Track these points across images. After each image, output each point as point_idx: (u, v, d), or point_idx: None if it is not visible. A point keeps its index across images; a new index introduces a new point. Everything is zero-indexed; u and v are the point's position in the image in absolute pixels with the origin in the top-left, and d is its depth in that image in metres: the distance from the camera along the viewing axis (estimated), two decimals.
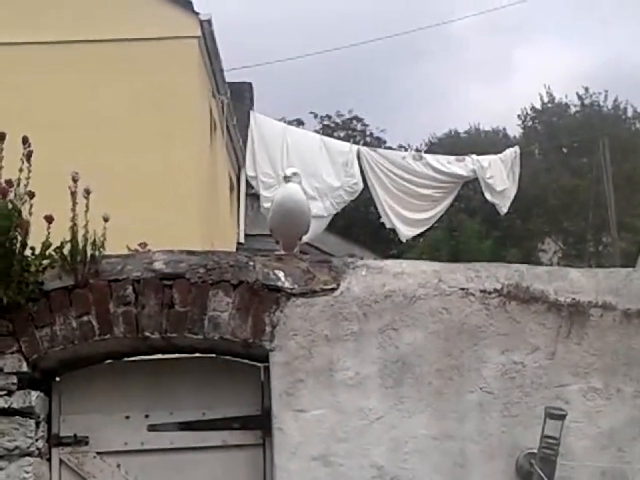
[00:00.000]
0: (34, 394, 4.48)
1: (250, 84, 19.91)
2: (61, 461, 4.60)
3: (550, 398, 4.49)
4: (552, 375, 4.53)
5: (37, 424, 4.48)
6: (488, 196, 15.72)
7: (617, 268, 5.05)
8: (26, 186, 4.55)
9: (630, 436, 4.51)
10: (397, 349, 4.53)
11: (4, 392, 4.43)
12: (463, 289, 4.61)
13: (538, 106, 39.20)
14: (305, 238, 5.33)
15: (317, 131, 31.76)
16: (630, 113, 38.36)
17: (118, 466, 4.60)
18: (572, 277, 4.70)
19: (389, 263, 4.75)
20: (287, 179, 5.17)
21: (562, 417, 4.34)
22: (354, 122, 39.22)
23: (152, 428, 4.63)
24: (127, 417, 4.63)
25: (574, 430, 4.47)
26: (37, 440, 4.46)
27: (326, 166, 14.46)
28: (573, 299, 4.61)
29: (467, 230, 29.60)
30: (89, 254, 4.55)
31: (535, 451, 4.37)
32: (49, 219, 4.51)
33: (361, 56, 52.90)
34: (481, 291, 4.61)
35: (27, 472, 4.39)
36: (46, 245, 4.53)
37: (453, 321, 4.57)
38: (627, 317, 4.62)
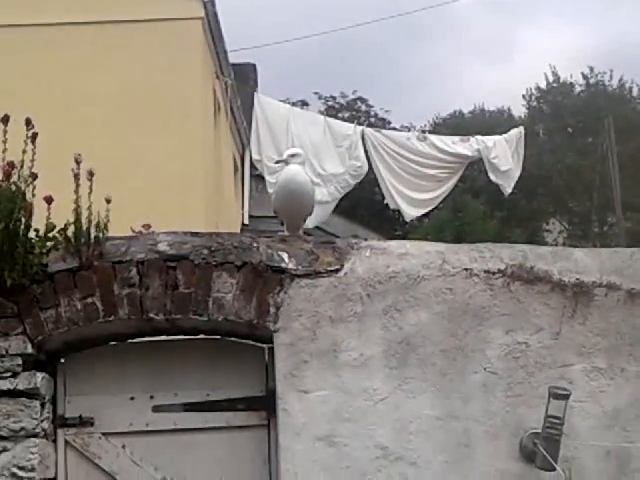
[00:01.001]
0: (39, 375, 4.49)
1: (254, 65, 19.86)
2: (66, 442, 4.62)
3: (554, 378, 4.50)
4: (556, 355, 4.54)
5: (42, 405, 4.50)
6: (492, 176, 15.69)
7: (621, 248, 5.05)
8: (30, 168, 4.54)
9: (634, 415, 4.52)
10: (401, 330, 4.53)
11: (9, 374, 4.45)
12: (467, 269, 4.61)
13: (543, 86, 39.07)
14: (310, 222, 5.33)
15: (321, 112, 31.69)
16: (635, 92, 38.23)
17: (123, 447, 4.62)
18: (576, 257, 4.70)
19: (393, 244, 4.75)
20: (287, 161, 5.16)
21: (566, 397, 4.34)
22: (358, 103, 39.10)
23: (157, 409, 4.65)
24: (132, 398, 4.65)
25: (578, 410, 4.48)
26: (42, 421, 4.48)
27: (330, 151, 14.43)
28: (577, 279, 4.61)
29: (472, 211, 29.56)
30: (93, 236, 4.56)
31: (539, 431, 4.38)
32: (49, 200, 4.50)
33: (365, 36, 52.85)
34: (485, 271, 4.61)
35: (33, 453, 4.40)
36: (50, 227, 4.54)
37: (457, 302, 4.57)
38: (631, 297, 4.61)
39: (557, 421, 4.34)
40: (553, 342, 4.54)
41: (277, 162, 5.20)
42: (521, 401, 4.49)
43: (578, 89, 38.47)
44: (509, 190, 16.00)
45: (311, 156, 13.33)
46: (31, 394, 4.45)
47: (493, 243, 4.88)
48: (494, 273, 4.61)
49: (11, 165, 4.46)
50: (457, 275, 4.60)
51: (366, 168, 14.70)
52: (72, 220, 4.54)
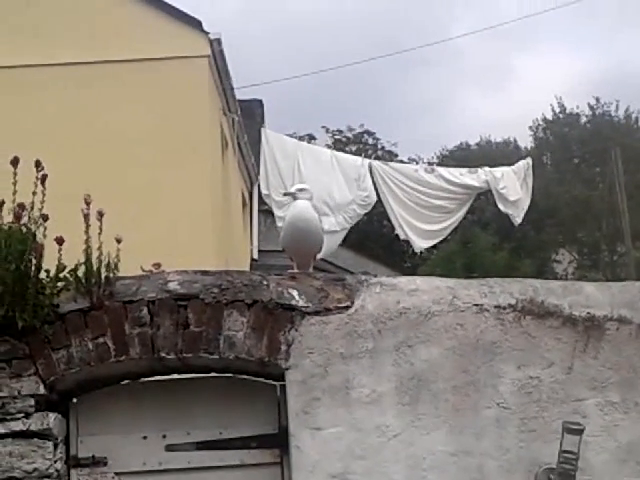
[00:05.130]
0: (52, 416, 4.49)
1: (260, 101, 19.99)
2: None
3: (567, 413, 4.48)
4: (569, 390, 4.52)
5: (55, 446, 4.49)
6: (501, 207, 15.71)
7: (631, 281, 5.04)
8: (40, 209, 4.57)
9: None
10: (412, 366, 4.53)
11: (22, 414, 4.44)
12: (477, 305, 4.61)
13: (549, 117, 39.17)
14: (320, 254, 5.33)
15: (329, 145, 31.81)
16: None
17: None
18: (587, 291, 4.70)
19: (403, 280, 4.75)
20: (294, 196, 5.17)
21: (580, 432, 4.32)
22: (365, 136, 39.30)
23: (170, 448, 4.63)
24: (144, 437, 4.64)
25: (592, 444, 4.45)
26: (55, 462, 4.47)
27: (338, 181, 14.48)
28: (588, 313, 4.60)
29: (481, 242, 29.56)
30: (103, 276, 4.57)
31: (554, 466, 4.35)
32: (59, 241, 4.52)
33: (369, 70, 53.19)
34: (495, 307, 4.61)
35: None
36: (60, 268, 4.55)
37: (468, 337, 4.56)
38: None
39: (572, 456, 4.31)
40: (565, 377, 4.53)
41: (285, 194, 5.19)
42: (535, 436, 4.47)
43: (584, 120, 38.56)
44: (519, 220, 16.00)
45: (319, 187, 13.36)
46: (44, 435, 4.45)
47: (503, 277, 4.88)
48: (505, 308, 4.60)
49: (22, 207, 4.49)
50: (468, 310, 4.60)
51: (374, 198, 14.73)
52: (83, 260, 4.56)
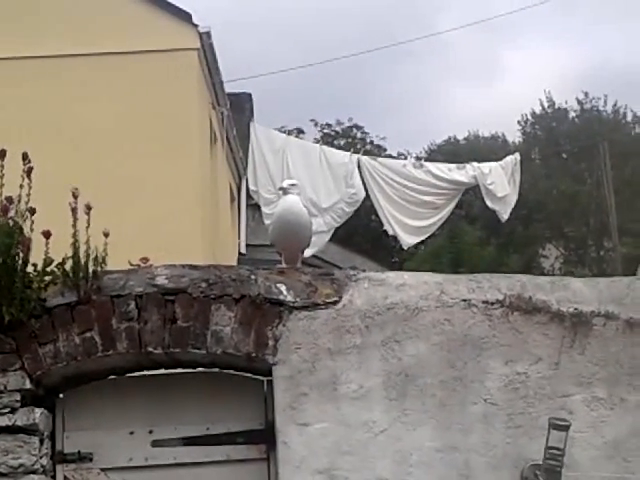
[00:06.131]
0: (38, 411, 4.47)
1: (250, 95, 19.90)
2: (65, 478, 4.58)
3: (554, 408, 4.48)
4: (556, 385, 4.52)
5: (41, 441, 4.47)
6: (489, 203, 15.77)
7: (619, 277, 5.05)
8: (27, 203, 4.55)
9: (635, 446, 4.50)
10: (400, 361, 4.53)
11: (7, 410, 4.43)
12: (465, 300, 4.61)
13: (537, 111, 39.18)
14: (307, 252, 5.32)
15: (317, 140, 31.79)
16: (630, 117, 38.37)
17: None
18: (574, 287, 4.70)
19: (391, 275, 4.75)
20: (285, 191, 5.16)
21: (566, 428, 4.33)
22: (354, 130, 39.24)
23: (156, 443, 4.62)
24: (131, 433, 4.62)
25: (579, 440, 4.46)
26: (41, 457, 4.45)
27: (326, 180, 14.49)
28: (576, 309, 4.60)
29: (468, 237, 29.56)
30: (91, 270, 4.55)
31: (540, 462, 4.36)
32: (47, 234, 4.50)
33: (360, 63, 53.21)
34: (483, 302, 4.61)
35: None
36: (48, 262, 4.53)
37: (456, 332, 4.56)
38: (630, 326, 4.61)
39: (558, 452, 4.32)
40: (552, 372, 4.53)
41: (282, 189, 5.19)
42: (521, 432, 4.47)
43: (572, 114, 38.58)
44: (506, 216, 16.07)
45: (307, 186, 13.38)
46: (30, 430, 4.43)
47: (491, 273, 4.88)
48: (492, 303, 4.61)
49: (9, 200, 4.47)
50: (455, 306, 4.60)
51: (362, 195, 14.74)
52: (70, 254, 4.54)
